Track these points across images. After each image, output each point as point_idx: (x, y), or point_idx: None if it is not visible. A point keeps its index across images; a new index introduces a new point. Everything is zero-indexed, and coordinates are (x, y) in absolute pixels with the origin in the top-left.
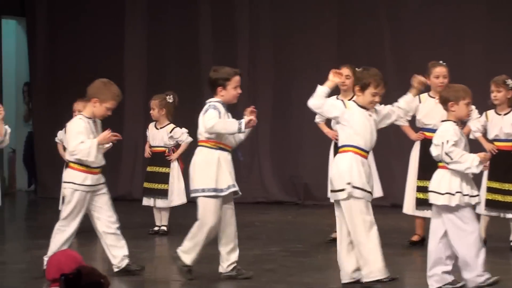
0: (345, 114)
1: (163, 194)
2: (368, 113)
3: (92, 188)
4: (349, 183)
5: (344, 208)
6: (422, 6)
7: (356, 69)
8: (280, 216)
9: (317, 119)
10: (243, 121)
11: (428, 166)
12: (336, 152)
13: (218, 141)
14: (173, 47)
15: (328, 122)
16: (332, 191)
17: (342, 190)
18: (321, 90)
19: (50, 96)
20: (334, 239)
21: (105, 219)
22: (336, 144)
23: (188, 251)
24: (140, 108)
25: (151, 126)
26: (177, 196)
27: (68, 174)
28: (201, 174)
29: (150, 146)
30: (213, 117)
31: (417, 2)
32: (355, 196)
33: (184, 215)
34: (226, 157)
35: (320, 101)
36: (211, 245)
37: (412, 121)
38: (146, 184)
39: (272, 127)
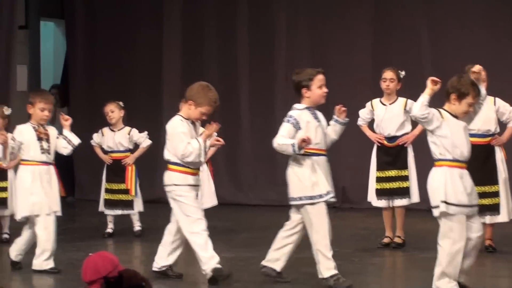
0: (443, 124)
1: None
2: (461, 122)
3: (194, 189)
4: (443, 201)
5: (440, 223)
6: (460, 6)
7: (400, 72)
8: None
9: (360, 121)
10: (296, 143)
11: None
12: (379, 156)
13: (309, 147)
14: (210, 47)
15: (370, 124)
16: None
17: (437, 207)
18: (424, 99)
19: (87, 98)
20: (387, 244)
21: None
22: (379, 147)
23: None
24: (178, 110)
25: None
26: (208, 199)
27: (169, 177)
28: (296, 182)
29: None
30: (281, 135)
31: (456, 3)
32: (450, 213)
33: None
34: (321, 161)
35: (426, 111)
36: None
37: None
38: None
39: None
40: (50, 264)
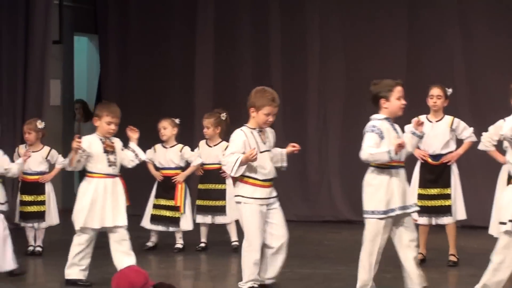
0: None
1: (222, 210)
2: None
3: (263, 202)
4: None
5: (500, 240)
6: (496, 23)
7: (447, 89)
8: (349, 236)
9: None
10: (392, 150)
11: None
12: (422, 173)
13: None
14: (243, 61)
15: None
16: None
17: (504, 223)
18: None
19: (122, 110)
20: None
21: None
22: (422, 164)
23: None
24: None
25: (202, 143)
26: (234, 211)
27: (238, 188)
28: (370, 195)
29: (202, 164)
30: (367, 146)
31: (492, 20)
32: None
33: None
34: (400, 173)
35: None
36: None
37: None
38: (200, 202)
39: (341, 144)
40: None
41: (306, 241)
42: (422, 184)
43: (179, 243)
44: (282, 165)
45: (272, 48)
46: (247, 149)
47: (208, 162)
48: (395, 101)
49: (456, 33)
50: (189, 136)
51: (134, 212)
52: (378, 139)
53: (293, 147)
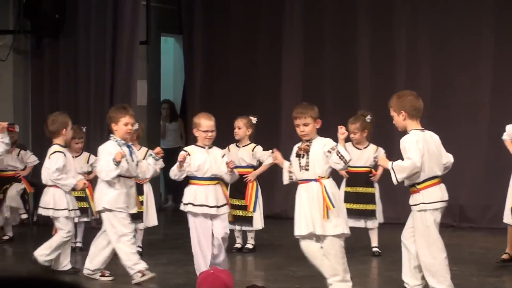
0: None
1: (372, 214)
2: None
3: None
4: None
5: None
6: None
7: None
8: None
9: (505, 136)
10: None
11: None
12: None
13: None
14: (329, 62)
15: None
16: None
17: None
18: None
19: (205, 111)
20: (505, 260)
21: None
22: None
23: None
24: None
25: (349, 145)
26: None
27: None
28: None
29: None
30: None
31: None
32: None
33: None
34: None
35: None
36: None
37: None
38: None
39: None
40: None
41: (387, 244)
42: None
43: (250, 243)
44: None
45: (359, 52)
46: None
47: (357, 165)
48: None
49: None
50: (275, 136)
51: None
52: None
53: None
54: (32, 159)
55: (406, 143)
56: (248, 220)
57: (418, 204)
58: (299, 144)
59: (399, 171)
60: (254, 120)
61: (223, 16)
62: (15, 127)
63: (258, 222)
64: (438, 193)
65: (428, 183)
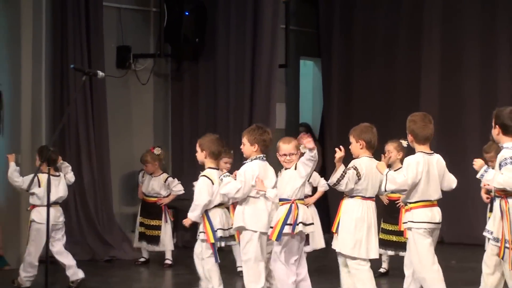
0: None
1: None
2: None
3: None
4: None
5: None
6: None
7: None
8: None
9: None
10: None
11: None
12: None
13: None
14: (468, 84)
15: None
16: None
17: None
18: None
19: (341, 135)
20: None
21: None
22: None
23: None
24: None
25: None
26: None
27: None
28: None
29: None
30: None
31: None
32: None
33: None
34: None
35: None
36: None
37: None
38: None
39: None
40: None
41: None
42: None
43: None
44: None
45: (498, 75)
46: None
47: None
48: None
49: None
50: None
51: None
52: None
53: None
54: (178, 188)
55: (408, 161)
56: (403, 246)
57: (407, 222)
58: None
59: (390, 181)
60: (405, 143)
61: (362, 38)
62: (156, 150)
63: None
64: (428, 214)
65: (420, 204)
